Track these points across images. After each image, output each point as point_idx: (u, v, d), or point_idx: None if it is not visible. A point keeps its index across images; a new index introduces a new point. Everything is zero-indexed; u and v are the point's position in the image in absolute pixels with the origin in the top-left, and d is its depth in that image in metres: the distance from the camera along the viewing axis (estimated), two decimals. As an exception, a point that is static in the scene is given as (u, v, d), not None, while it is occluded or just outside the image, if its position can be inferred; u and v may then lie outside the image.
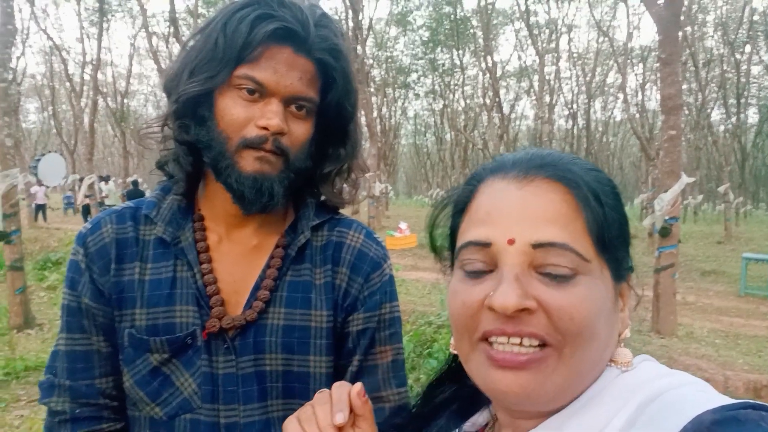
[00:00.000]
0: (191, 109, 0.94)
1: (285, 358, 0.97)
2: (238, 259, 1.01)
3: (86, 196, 17.77)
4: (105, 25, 21.20)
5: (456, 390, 0.80)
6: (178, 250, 0.99)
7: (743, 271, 9.88)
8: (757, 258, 10.46)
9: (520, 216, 0.59)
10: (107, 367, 1.00)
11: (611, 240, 0.61)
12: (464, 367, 0.66)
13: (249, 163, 0.92)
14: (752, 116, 36.17)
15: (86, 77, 23.32)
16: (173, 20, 16.43)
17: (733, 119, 25.41)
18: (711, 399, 0.51)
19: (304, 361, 0.98)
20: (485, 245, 0.60)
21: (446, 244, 0.72)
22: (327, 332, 1.00)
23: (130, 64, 30.17)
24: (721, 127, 30.88)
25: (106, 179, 20.54)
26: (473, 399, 0.76)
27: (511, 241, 0.58)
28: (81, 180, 19.11)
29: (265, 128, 0.91)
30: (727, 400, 0.50)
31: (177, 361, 0.96)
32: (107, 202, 18.60)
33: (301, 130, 0.96)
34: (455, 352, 0.68)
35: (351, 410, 0.68)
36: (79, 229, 1.03)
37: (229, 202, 0.97)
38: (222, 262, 1.00)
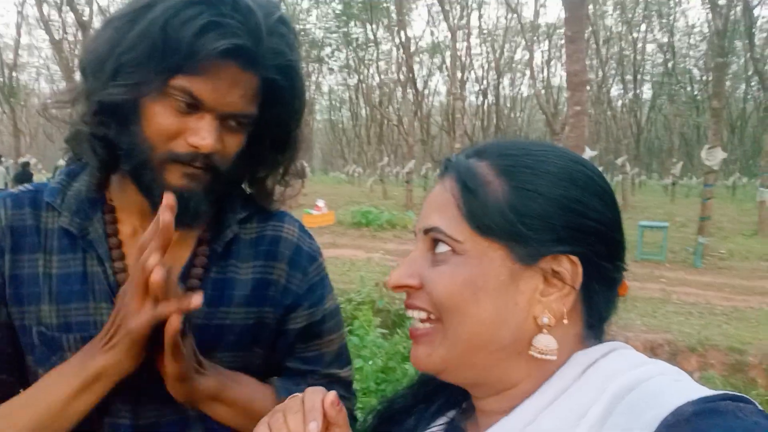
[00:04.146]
0: (113, 109, 0.84)
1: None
2: None
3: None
4: (-15, -10, 19.25)
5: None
6: (86, 243, 0.90)
7: (639, 237, 10.60)
8: (652, 225, 11.24)
9: (424, 209, 0.69)
10: (10, 368, 0.91)
11: (493, 223, 0.62)
12: None
13: (176, 177, 0.85)
14: (647, 92, 38.64)
15: (-34, 48, 21.21)
16: (65, -14, 15.18)
17: (630, 95, 27.00)
18: (690, 390, 0.53)
19: (214, 360, 0.92)
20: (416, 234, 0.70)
21: None
22: (242, 329, 0.95)
23: (18, 35, 27.81)
24: (619, 102, 32.78)
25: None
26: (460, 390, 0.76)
27: (417, 230, 0.69)
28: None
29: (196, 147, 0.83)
30: (706, 392, 0.52)
31: None
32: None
33: (234, 144, 0.89)
34: None
35: (324, 417, 0.66)
36: None
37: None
38: (137, 257, 0.92)
